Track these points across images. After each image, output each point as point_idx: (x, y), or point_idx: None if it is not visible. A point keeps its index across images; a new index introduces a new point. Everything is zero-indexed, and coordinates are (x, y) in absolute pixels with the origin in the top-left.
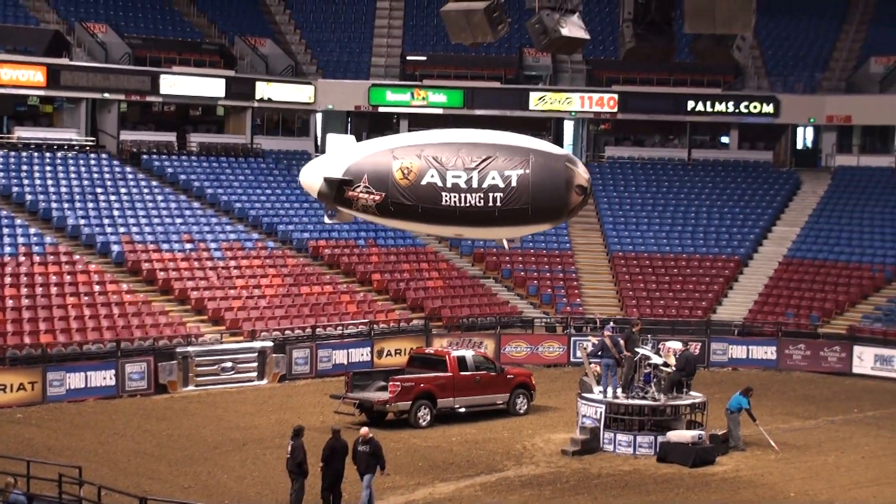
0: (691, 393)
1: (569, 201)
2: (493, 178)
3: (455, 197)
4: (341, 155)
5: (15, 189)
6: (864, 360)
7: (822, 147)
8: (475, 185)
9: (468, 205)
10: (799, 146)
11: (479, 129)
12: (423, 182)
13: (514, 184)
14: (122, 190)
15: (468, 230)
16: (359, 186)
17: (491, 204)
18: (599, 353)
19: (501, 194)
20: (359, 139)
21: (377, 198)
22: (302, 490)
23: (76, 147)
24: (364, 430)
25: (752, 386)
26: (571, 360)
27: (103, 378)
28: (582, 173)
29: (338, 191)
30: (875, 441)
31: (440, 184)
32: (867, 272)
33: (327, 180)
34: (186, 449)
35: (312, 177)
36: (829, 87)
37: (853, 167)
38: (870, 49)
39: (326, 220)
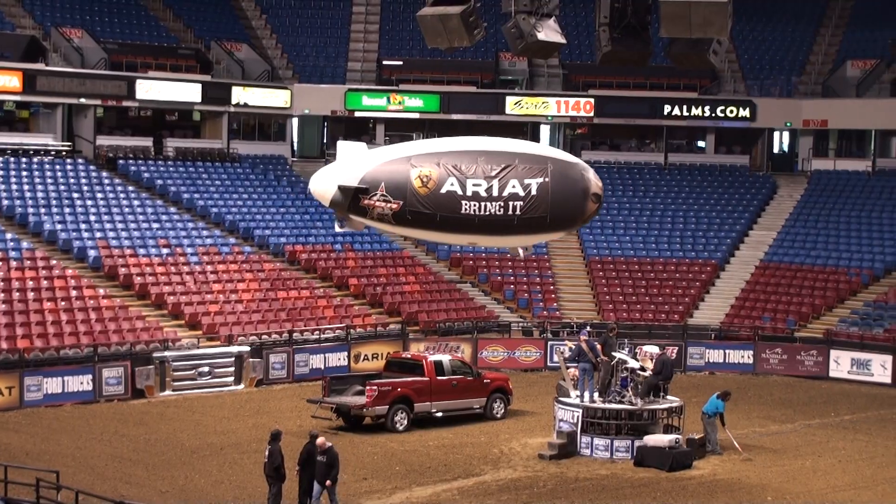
0: (668, 397)
1: (585, 209)
2: (514, 187)
3: (475, 205)
4: (354, 162)
5: None
6: (841, 364)
7: (798, 151)
8: (495, 193)
9: (488, 213)
10: (775, 150)
11: (491, 136)
12: (443, 190)
13: (534, 192)
14: (99, 195)
15: (484, 238)
16: (375, 195)
17: (510, 212)
18: (576, 357)
19: (522, 203)
20: (336, 145)
21: (395, 206)
22: (279, 495)
23: (52, 152)
24: (320, 439)
25: (730, 390)
26: (548, 364)
27: (80, 383)
28: (596, 181)
29: (353, 199)
30: (852, 445)
31: (460, 192)
32: (844, 276)
33: (342, 189)
34: (164, 453)
35: (324, 184)
36: (806, 92)
37: (829, 171)
38: (846, 53)
39: (337, 228)
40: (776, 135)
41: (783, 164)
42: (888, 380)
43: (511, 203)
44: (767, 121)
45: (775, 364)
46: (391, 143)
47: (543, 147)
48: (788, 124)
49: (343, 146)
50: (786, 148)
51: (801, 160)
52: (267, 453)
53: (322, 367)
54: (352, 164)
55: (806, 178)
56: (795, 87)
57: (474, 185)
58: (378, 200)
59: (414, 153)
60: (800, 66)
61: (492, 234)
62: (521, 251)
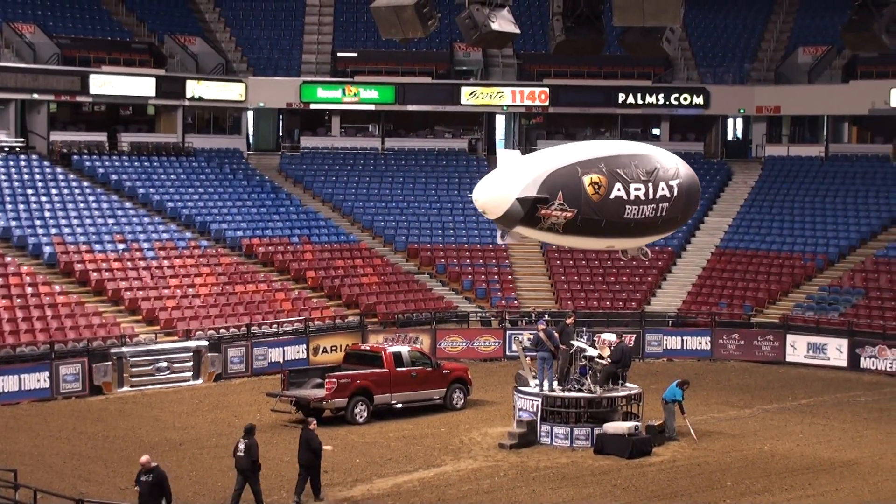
0: (627, 384)
1: (698, 206)
2: (663, 189)
3: (635, 209)
4: (521, 171)
5: None
6: (797, 348)
7: (752, 138)
8: (651, 196)
9: (643, 216)
10: (729, 137)
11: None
12: (612, 196)
13: (675, 193)
14: (54, 191)
15: (625, 241)
16: (553, 204)
17: (658, 213)
18: (535, 346)
19: (667, 204)
20: (291, 137)
21: (569, 214)
22: (259, 492)
23: (6, 148)
24: (145, 457)
25: (689, 379)
26: (507, 354)
27: (37, 380)
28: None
29: (530, 209)
30: (809, 429)
31: (625, 197)
32: (798, 261)
33: (521, 200)
34: (122, 450)
35: (496, 195)
36: (758, 78)
37: (783, 157)
38: (797, 39)
39: (499, 241)
40: (730, 121)
41: (737, 151)
42: (844, 363)
43: (660, 205)
44: (721, 108)
45: (732, 350)
46: (346, 136)
47: (661, 149)
48: (742, 111)
49: (503, 154)
50: (739, 134)
51: (754, 146)
52: (243, 447)
53: (281, 360)
54: (519, 172)
55: (760, 164)
56: (748, 74)
57: (636, 188)
58: (555, 209)
59: (577, 159)
60: (752, 53)
61: (637, 236)
62: (648, 251)
